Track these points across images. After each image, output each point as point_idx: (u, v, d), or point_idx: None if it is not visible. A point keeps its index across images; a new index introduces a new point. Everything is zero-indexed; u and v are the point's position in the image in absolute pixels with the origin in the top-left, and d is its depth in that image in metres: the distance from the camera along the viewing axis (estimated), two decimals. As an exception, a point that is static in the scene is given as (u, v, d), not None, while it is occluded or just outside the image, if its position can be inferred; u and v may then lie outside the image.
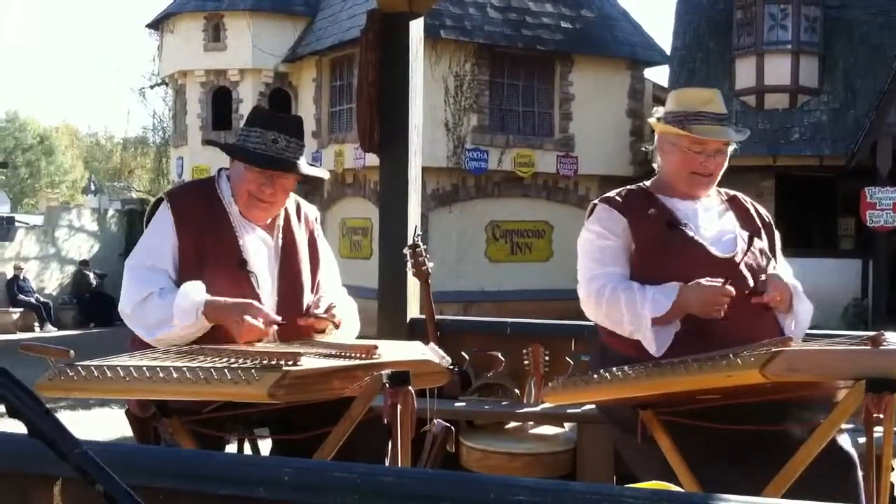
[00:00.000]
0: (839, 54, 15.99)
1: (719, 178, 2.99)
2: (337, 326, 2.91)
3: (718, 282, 2.68)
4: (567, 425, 3.98)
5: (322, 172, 3.27)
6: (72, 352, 2.51)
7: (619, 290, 2.80)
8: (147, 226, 2.96)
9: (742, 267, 2.83)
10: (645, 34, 17.49)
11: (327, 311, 2.89)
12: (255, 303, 2.76)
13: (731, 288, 2.66)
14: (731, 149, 2.97)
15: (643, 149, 3.28)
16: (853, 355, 2.37)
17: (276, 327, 2.78)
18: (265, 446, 3.09)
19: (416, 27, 4.46)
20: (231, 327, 2.71)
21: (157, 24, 20.01)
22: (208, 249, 2.85)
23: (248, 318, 2.68)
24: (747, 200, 3.10)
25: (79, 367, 2.23)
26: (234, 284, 2.81)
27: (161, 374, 2.18)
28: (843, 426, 2.66)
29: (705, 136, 2.86)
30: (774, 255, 2.99)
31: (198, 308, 2.69)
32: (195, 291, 2.73)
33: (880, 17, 16.18)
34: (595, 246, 2.94)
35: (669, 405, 2.57)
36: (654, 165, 3.09)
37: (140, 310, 2.76)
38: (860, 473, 2.61)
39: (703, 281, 2.69)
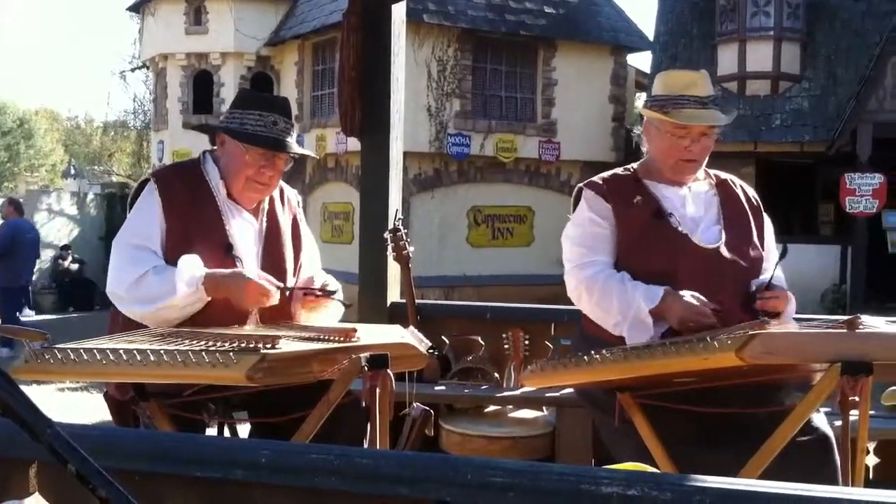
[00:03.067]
0: (821, 41, 16.06)
1: (706, 161, 2.98)
2: (349, 306, 2.95)
3: (709, 306, 2.68)
4: (546, 409, 4.00)
5: (312, 152, 3.37)
6: (48, 335, 2.50)
7: (613, 281, 2.80)
8: (131, 206, 2.95)
9: (727, 257, 2.83)
10: (628, 20, 17.49)
11: (322, 288, 2.92)
12: (259, 271, 2.80)
13: (714, 319, 2.66)
14: (717, 130, 2.96)
15: (632, 133, 3.28)
16: (829, 338, 2.38)
17: (277, 293, 2.79)
18: (244, 429, 3.09)
19: (399, 11, 4.44)
20: (236, 293, 2.72)
21: (139, 7, 19.87)
22: (195, 232, 2.85)
23: (253, 276, 2.71)
24: (736, 183, 3.08)
25: (55, 350, 2.22)
26: (219, 267, 2.81)
27: (138, 357, 2.17)
28: (820, 409, 2.69)
29: (687, 121, 2.83)
30: (762, 241, 2.99)
31: (198, 280, 2.69)
32: (194, 264, 2.74)
33: (862, 4, 16.24)
34: (586, 232, 2.93)
35: (647, 388, 2.58)
36: (643, 149, 3.08)
37: (135, 288, 2.72)
38: (838, 454, 2.63)
39: (689, 296, 2.69)
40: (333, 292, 2.95)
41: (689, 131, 2.85)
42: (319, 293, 2.93)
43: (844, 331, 2.38)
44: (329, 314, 2.99)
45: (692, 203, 2.93)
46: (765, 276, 2.92)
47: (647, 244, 2.84)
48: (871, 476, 3.60)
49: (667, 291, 2.72)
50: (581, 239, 2.94)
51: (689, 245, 2.82)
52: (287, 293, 2.87)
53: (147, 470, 1.69)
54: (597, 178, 3.02)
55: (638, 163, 3.06)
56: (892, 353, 2.40)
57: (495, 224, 16.46)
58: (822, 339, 2.40)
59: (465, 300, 12.63)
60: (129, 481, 1.58)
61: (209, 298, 2.74)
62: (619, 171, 3.07)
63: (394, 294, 4.38)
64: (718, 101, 2.91)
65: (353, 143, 4.76)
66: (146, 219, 2.86)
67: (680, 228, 2.84)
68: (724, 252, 2.83)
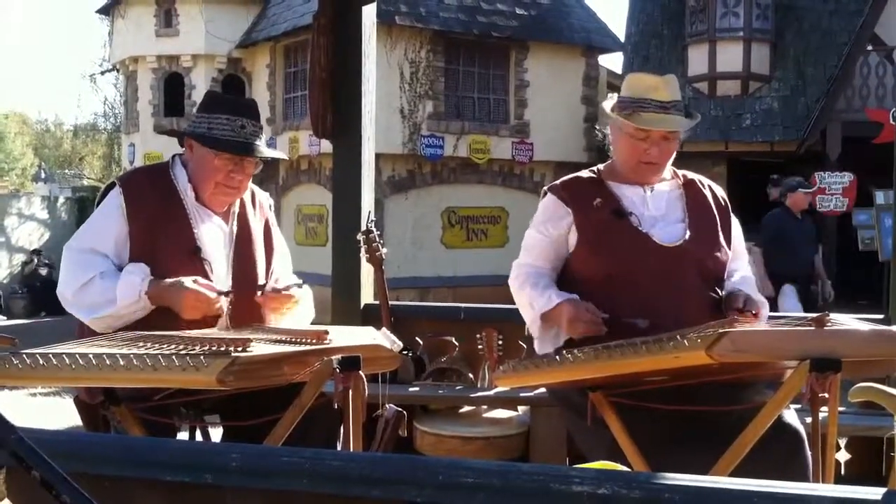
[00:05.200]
0: (790, 41, 16.19)
1: (668, 164, 3.00)
2: (301, 285, 2.96)
3: (598, 313, 2.75)
4: (520, 408, 4.01)
5: (282, 154, 3.40)
6: (17, 339, 2.48)
7: (528, 285, 2.93)
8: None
9: (689, 255, 2.85)
10: (599, 21, 17.56)
11: (286, 288, 2.91)
12: (199, 277, 2.76)
13: (602, 327, 2.72)
14: (682, 134, 2.97)
15: (599, 134, 3.31)
16: (798, 336, 2.40)
17: (226, 300, 2.77)
18: (216, 433, 3.08)
19: (369, 12, 4.43)
20: (175, 303, 2.70)
21: (108, 10, 19.70)
22: (162, 236, 2.83)
23: (190, 285, 2.69)
24: (704, 183, 3.10)
25: (24, 355, 2.20)
26: (187, 271, 2.80)
27: (108, 362, 2.15)
28: (791, 405, 2.71)
29: (645, 125, 2.85)
30: (729, 240, 3.01)
31: (140, 289, 2.68)
32: (138, 271, 2.72)
33: (830, 4, 16.39)
34: (529, 235, 3.05)
35: (618, 387, 2.60)
36: (609, 150, 3.10)
37: (81, 292, 2.74)
38: (809, 451, 2.66)
39: (584, 306, 2.76)
40: (299, 284, 2.96)
41: (649, 135, 2.87)
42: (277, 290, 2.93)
43: (813, 328, 2.40)
44: (298, 316, 2.98)
45: (654, 202, 2.95)
46: (735, 280, 2.95)
47: (607, 244, 2.87)
48: (842, 472, 3.64)
49: (565, 298, 2.80)
50: (526, 242, 3.06)
51: (649, 243, 2.84)
52: (228, 297, 2.83)
53: (116, 474, 1.68)
54: (558, 182, 3.07)
55: (604, 164, 3.08)
56: (859, 350, 2.42)
57: (469, 225, 16.47)
58: (791, 336, 2.42)
59: (441, 301, 12.62)
60: (98, 486, 1.56)
61: (153, 307, 2.74)
62: (583, 173, 3.10)
63: (367, 296, 4.37)
64: (681, 107, 2.92)
65: (327, 145, 4.76)
66: (104, 223, 2.85)
67: (640, 227, 2.86)
68: (687, 249, 2.85)
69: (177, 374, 2.14)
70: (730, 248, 3.00)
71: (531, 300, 2.89)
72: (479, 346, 3.99)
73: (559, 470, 1.56)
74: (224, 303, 2.79)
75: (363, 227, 4.16)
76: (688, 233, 2.89)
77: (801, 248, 8.84)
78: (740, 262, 3.05)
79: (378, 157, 4.53)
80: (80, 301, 2.75)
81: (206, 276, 2.85)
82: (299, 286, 2.98)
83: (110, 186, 2.94)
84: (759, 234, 8.82)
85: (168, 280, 2.74)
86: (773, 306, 7.64)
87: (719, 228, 2.99)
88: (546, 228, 2.96)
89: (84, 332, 2.78)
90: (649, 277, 2.78)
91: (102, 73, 25.54)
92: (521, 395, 3.80)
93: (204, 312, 2.74)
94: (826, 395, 2.34)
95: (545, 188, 3.09)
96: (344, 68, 4.35)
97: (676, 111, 2.90)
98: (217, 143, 2.88)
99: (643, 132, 2.87)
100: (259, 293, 2.94)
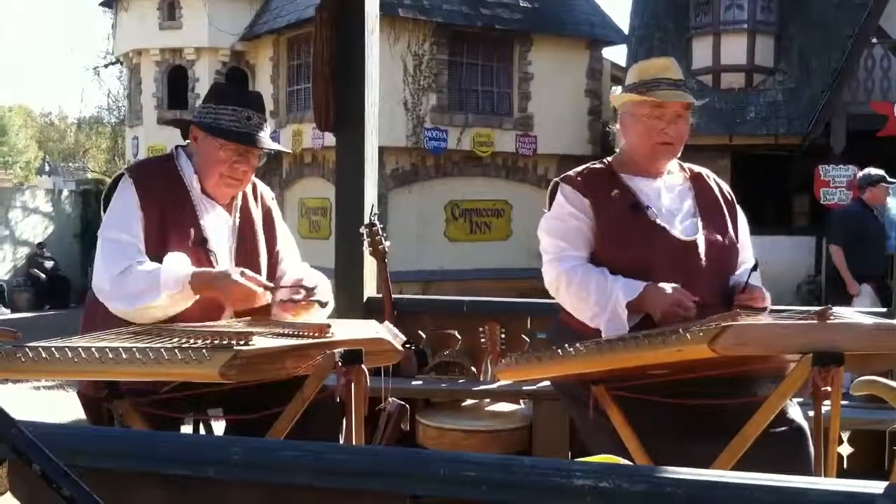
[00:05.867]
0: (794, 34, 16.15)
1: (682, 148, 2.99)
2: (323, 305, 2.91)
3: (691, 298, 2.68)
4: (523, 402, 4.01)
5: (285, 147, 3.37)
6: (19, 333, 2.47)
7: (592, 273, 2.81)
8: (106, 202, 2.93)
9: (703, 249, 2.84)
10: (603, 14, 17.54)
11: (306, 296, 2.88)
12: (246, 270, 2.77)
13: (694, 308, 2.67)
14: (690, 116, 2.97)
15: (607, 129, 3.30)
16: (800, 329, 2.39)
17: (269, 293, 2.79)
18: (219, 427, 3.08)
19: (372, 5, 4.42)
20: (220, 294, 2.71)
21: (112, 3, 19.72)
22: (170, 227, 2.83)
23: (239, 278, 2.68)
24: (711, 178, 3.09)
25: (26, 349, 2.20)
26: (194, 262, 2.79)
27: (111, 355, 2.15)
28: (794, 399, 2.70)
29: (663, 98, 2.85)
30: (737, 235, 3.00)
31: (184, 279, 2.67)
32: (181, 262, 2.72)
33: (835, -3, 16.37)
34: (566, 226, 2.93)
35: (621, 380, 2.59)
36: (617, 146, 3.08)
37: (119, 282, 2.69)
38: (811, 445, 2.65)
39: (670, 288, 2.69)
40: (322, 303, 2.93)
41: (665, 112, 2.86)
42: (302, 300, 2.90)
43: (815, 322, 2.40)
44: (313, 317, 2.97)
45: (667, 195, 2.94)
46: (741, 275, 2.94)
47: (624, 237, 2.85)
48: (845, 466, 3.63)
49: (648, 285, 2.73)
50: (560, 232, 2.94)
51: (666, 237, 2.83)
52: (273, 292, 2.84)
53: (119, 468, 1.68)
54: (572, 173, 3.02)
55: (612, 157, 3.07)
56: (862, 343, 2.42)
57: (473, 218, 16.47)
58: (794, 330, 2.41)
59: (444, 294, 12.63)
60: (100, 480, 1.56)
61: (196, 297, 2.72)
62: (593, 165, 3.07)
63: (370, 289, 4.37)
64: (689, 87, 2.94)
65: (330, 138, 4.76)
66: (126, 213, 2.84)
67: (657, 221, 2.85)
68: (701, 244, 2.84)
69: (179, 368, 2.14)
70: (738, 241, 3.00)
71: (599, 289, 2.76)
72: (482, 340, 3.99)
73: (561, 464, 1.56)
74: (268, 297, 2.80)
75: (366, 221, 4.16)
76: (700, 227, 2.89)
77: (880, 244, 8.41)
78: (746, 255, 3.05)
79: (381, 150, 4.54)
80: (119, 291, 2.70)
81: (213, 267, 2.85)
82: (310, 289, 2.93)
83: (119, 178, 2.94)
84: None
85: (213, 270, 2.75)
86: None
87: (728, 222, 2.98)
88: (578, 215, 2.91)
89: (89, 328, 2.77)
90: (665, 271, 2.75)
91: (106, 66, 25.57)
92: (524, 388, 3.80)
93: (250, 305, 2.76)
94: (829, 388, 2.34)
95: (556, 179, 3.04)
96: (347, 61, 4.34)
97: (686, 90, 2.94)
98: (224, 134, 2.88)
99: (659, 110, 2.86)
100: (269, 293, 2.91)
